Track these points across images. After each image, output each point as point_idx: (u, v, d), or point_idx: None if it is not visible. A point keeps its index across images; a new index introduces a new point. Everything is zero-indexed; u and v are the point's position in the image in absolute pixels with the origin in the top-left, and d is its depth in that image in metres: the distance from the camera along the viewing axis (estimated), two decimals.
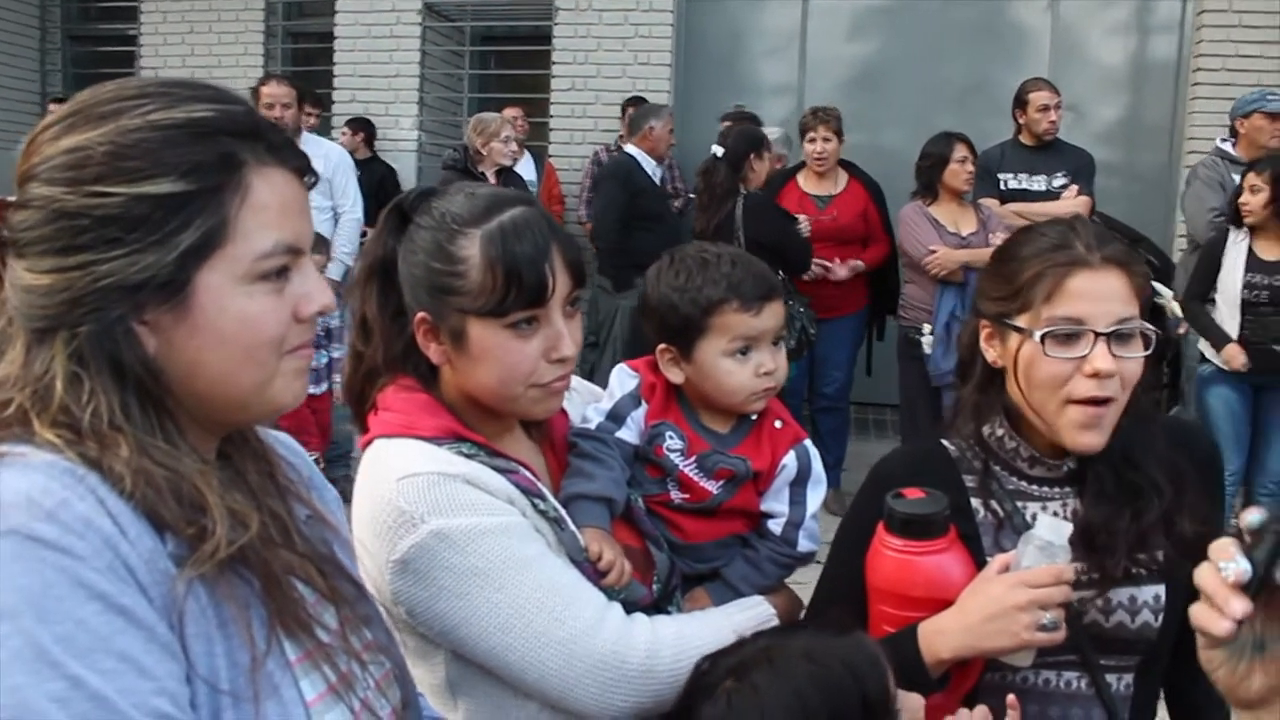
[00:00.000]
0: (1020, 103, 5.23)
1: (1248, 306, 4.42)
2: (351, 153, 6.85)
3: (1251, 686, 0.95)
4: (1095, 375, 1.37)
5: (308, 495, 1.07)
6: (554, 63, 7.26)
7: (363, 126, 7.30)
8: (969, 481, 1.52)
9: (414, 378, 1.41)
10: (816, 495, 1.57)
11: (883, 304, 5.43)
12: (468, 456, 1.34)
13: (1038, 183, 5.15)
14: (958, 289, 4.75)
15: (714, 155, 4.72)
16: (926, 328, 4.74)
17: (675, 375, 1.54)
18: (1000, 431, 1.50)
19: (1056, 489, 1.50)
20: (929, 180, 4.92)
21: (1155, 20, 6.85)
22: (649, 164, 5.56)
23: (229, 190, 0.89)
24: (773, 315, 1.51)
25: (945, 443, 1.57)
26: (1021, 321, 1.43)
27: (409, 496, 1.27)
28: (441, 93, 7.79)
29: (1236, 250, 4.48)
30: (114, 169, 0.86)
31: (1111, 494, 1.44)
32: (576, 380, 1.68)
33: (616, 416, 1.54)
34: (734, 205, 4.59)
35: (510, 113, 6.69)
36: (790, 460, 1.55)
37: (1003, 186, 5.19)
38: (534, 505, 1.36)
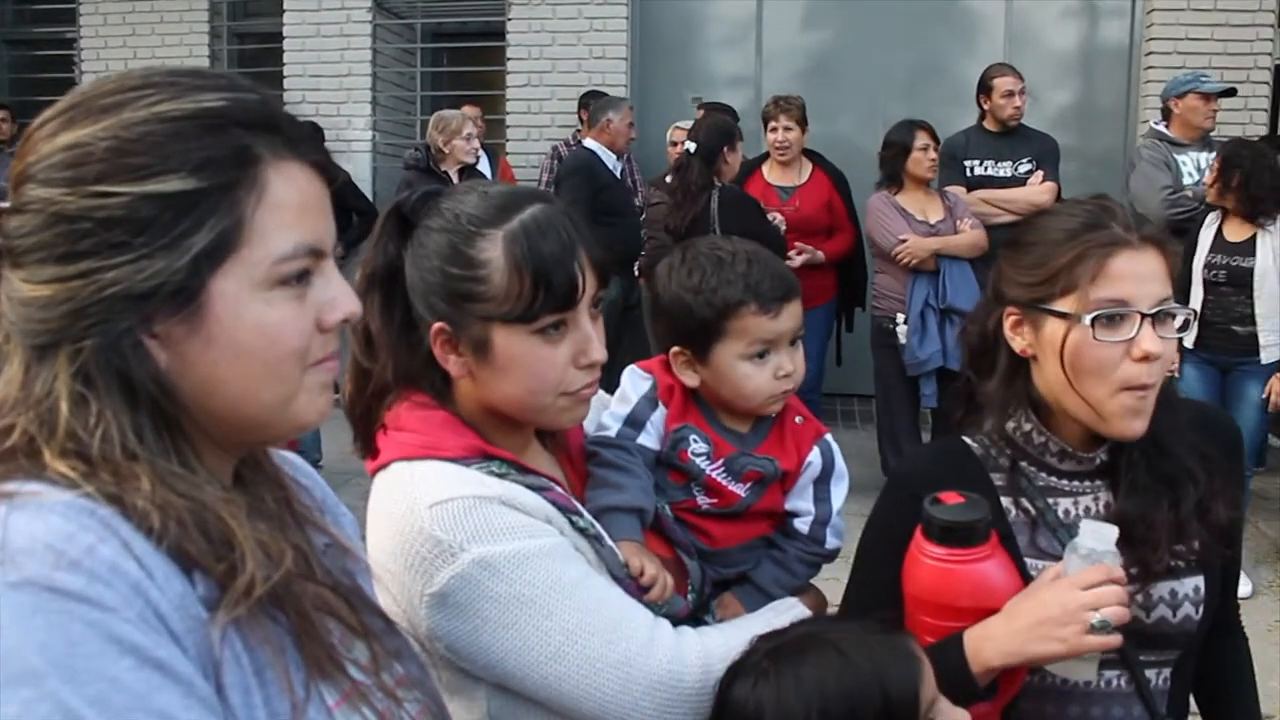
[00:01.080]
0: (984, 88, 5.24)
1: (1209, 286, 4.46)
2: None
3: None
4: (1145, 358, 1.33)
5: (324, 521, 0.99)
6: (508, 58, 7.16)
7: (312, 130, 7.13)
8: (997, 480, 1.47)
9: (428, 393, 1.31)
10: (841, 490, 1.53)
11: (851, 295, 5.40)
12: (499, 476, 1.26)
13: (1004, 169, 5.17)
14: (929, 277, 4.75)
15: (687, 150, 4.66)
16: (900, 317, 4.73)
17: (690, 378, 1.49)
18: (1028, 426, 1.45)
19: (1088, 483, 1.46)
20: (893, 169, 4.91)
21: (1107, 4, 6.91)
22: (609, 157, 5.51)
23: (244, 188, 0.81)
24: (791, 316, 1.46)
25: (968, 439, 1.52)
26: (1064, 305, 1.37)
27: (445, 524, 1.20)
28: (395, 91, 7.67)
29: (1207, 232, 4.52)
30: (117, 166, 0.78)
31: (1146, 485, 1.41)
32: None
33: (635, 422, 1.48)
34: (709, 199, 4.53)
35: (469, 111, 6.60)
36: (815, 457, 1.51)
37: (969, 173, 5.20)
38: (571, 523, 1.29)
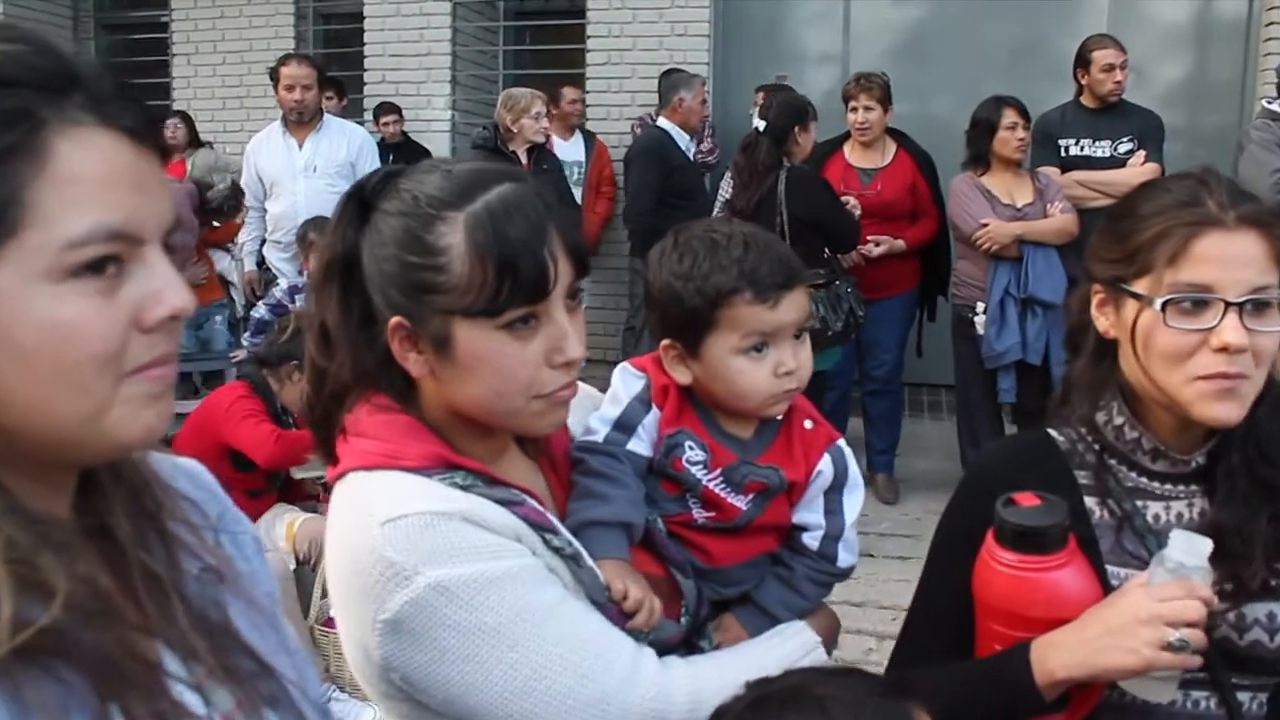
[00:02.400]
0: (1083, 61, 4.89)
1: None
2: (384, 140, 6.69)
3: None
4: (1224, 350, 1.21)
5: (207, 544, 0.86)
6: (588, 36, 7.02)
7: (391, 110, 7.11)
8: (1082, 478, 1.37)
9: (389, 395, 1.19)
10: (854, 502, 1.40)
11: (934, 283, 5.13)
12: (463, 488, 1.14)
13: (1102, 148, 4.83)
14: (1012, 264, 4.47)
15: (755, 129, 4.46)
16: (980, 306, 4.46)
17: (682, 375, 1.35)
18: (1119, 420, 1.34)
19: (1182, 487, 1.34)
20: (979, 149, 4.63)
21: None
22: (682, 138, 5.34)
23: (19, 157, 0.67)
24: (793, 307, 1.31)
25: (1053, 432, 1.42)
26: (1140, 287, 1.28)
27: (398, 543, 1.08)
28: (475, 70, 7.58)
29: None
30: None
31: (1245, 494, 1.29)
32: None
33: (625, 426, 1.34)
34: (776, 180, 4.32)
35: (570, 94, 6.48)
36: (825, 466, 1.37)
37: (1063, 153, 4.87)
38: (545, 541, 1.16)
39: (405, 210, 1.13)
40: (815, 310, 4.25)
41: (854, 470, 1.40)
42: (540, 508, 1.19)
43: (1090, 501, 1.35)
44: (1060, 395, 1.44)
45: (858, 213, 4.71)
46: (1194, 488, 1.34)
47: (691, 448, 1.33)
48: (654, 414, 1.35)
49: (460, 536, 1.09)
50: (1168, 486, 1.34)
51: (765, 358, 1.31)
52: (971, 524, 1.31)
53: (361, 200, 1.17)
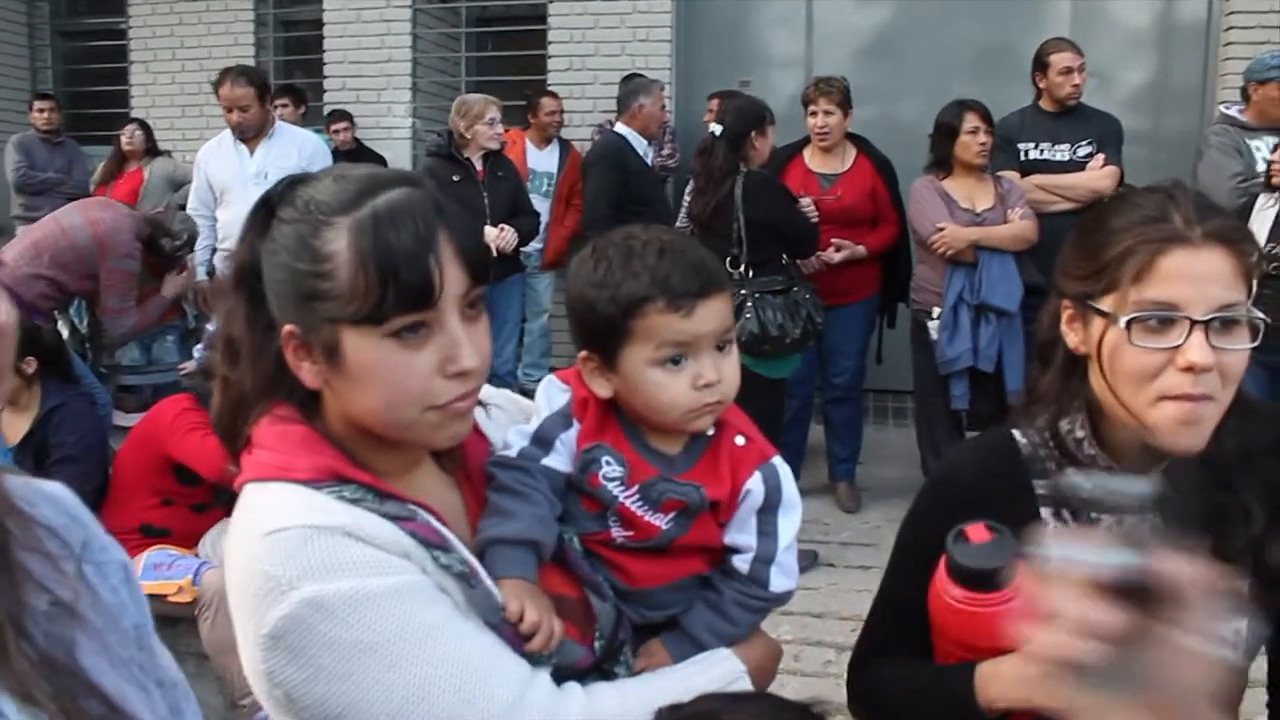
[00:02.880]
0: (1040, 65, 4.86)
1: (1265, 280, 4.00)
2: (337, 148, 6.60)
3: None
4: (1190, 369, 1.20)
5: (64, 575, 0.81)
6: (550, 42, 6.96)
7: (342, 118, 7.02)
8: (1039, 488, 1.37)
9: (292, 406, 1.17)
10: (790, 523, 1.32)
11: (894, 289, 5.08)
12: (351, 502, 1.11)
13: (1061, 152, 4.80)
14: (967, 270, 4.43)
15: (711, 134, 4.40)
16: (935, 311, 4.42)
17: (601, 388, 1.29)
18: (1080, 433, 1.35)
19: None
20: (941, 153, 4.59)
21: None
22: (640, 144, 5.28)
23: None
24: (711, 316, 1.25)
25: (1016, 434, 1.42)
26: (1106, 304, 1.27)
27: (275, 557, 1.06)
28: (436, 77, 7.51)
29: (1263, 217, 4.11)
30: None
31: (1191, 518, 1.24)
32: (504, 395, 1.43)
33: (543, 440, 1.29)
34: (733, 185, 4.26)
35: (549, 104, 6.38)
36: (755, 484, 1.30)
37: (1023, 157, 4.83)
38: (435, 559, 1.13)
39: (297, 217, 1.11)
40: (773, 317, 4.20)
41: (789, 490, 1.33)
42: (435, 524, 1.14)
43: (1045, 511, 1.36)
44: (1024, 400, 1.43)
45: (815, 217, 4.65)
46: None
47: (609, 463, 1.27)
48: (574, 428, 1.30)
49: (340, 551, 1.06)
50: None
51: (683, 370, 1.25)
52: (932, 535, 1.30)
53: (269, 208, 1.16)
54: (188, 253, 4.91)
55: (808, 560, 4.24)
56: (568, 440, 1.29)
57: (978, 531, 1.22)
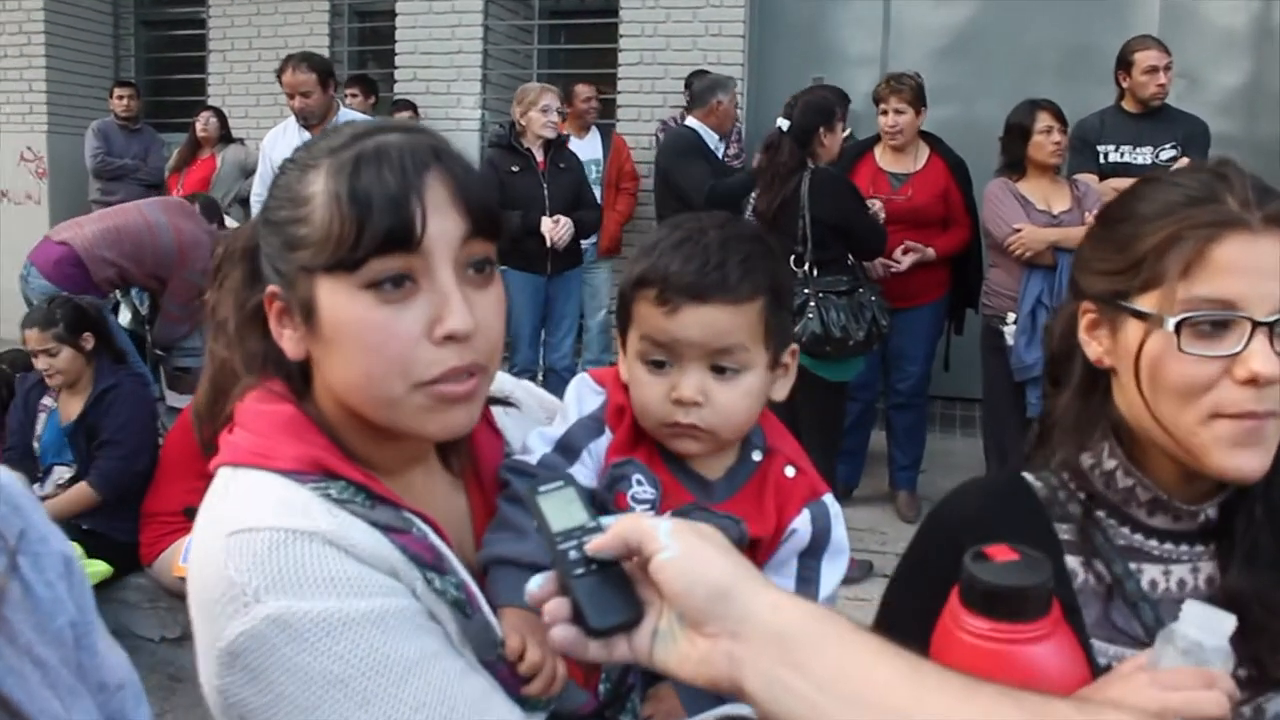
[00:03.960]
0: (1124, 64, 4.67)
1: None
2: None
3: None
4: (1252, 382, 0.99)
5: None
6: (621, 35, 6.87)
7: (406, 107, 7.03)
8: (1063, 532, 1.13)
9: (284, 382, 1.03)
10: (835, 571, 1.17)
11: (963, 294, 4.92)
12: (337, 503, 0.96)
13: (1143, 155, 4.60)
14: (1046, 273, 4.25)
15: (779, 129, 4.28)
16: (1010, 316, 4.25)
17: (623, 371, 1.19)
18: (1111, 464, 1.12)
19: (1185, 547, 1.11)
20: (1014, 155, 4.42)
21: None
22: (711, 138, 5.19)
23: None
24: (697, 324, 1.10)
25: (1028, 477, 1.18)
26: (1146, 304, 1.05)
27: (242, 561, 0.90)
28: (506, 69, 7.47)
29: None
30: None
31: (1271, 555, 1.05)
32: (524, 388, 1.28)
33: (568, 448, 1.16)
34: (799, 182, 4.14)
35: (584, 91, 6.36)
36: (802, 524, 1.15)
37: (1103, 160, 4.65)
38: (428, 581, 0.97)
39: (290, 166, 1.01)
40: (836, 318, 4.07)
41: (838, 533, 1.18)
42: (432, 540, 0.99)
43: (1073, 562, 1.12)
44: (1037, 435, 1.22)
45: (882, 217, 4.51)
46: (1200, 548, 1.12)
47: (640, 482, 1.13)
48: (605, 438, 1.16)
49: (317, 563, 0.91)
50: (1168, 546, 1.12)
51: (665, 375, 1.13)
52: (932, 576, 1.10)
53: None
54: None
55: (862, 570, 4.11)
56: (596, 450, 1.16)
57: (1001, 551, 0.98)
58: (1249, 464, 1.02)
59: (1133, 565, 1.11)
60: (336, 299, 0.94)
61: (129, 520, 3.81)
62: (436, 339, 0.94)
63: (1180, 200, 1.05)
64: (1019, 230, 4.26)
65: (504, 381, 1.23)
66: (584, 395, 1.20)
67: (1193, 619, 0.92)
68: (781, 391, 1.20)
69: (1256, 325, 0.99)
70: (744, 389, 1.13)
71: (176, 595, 3.76)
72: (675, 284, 1.10)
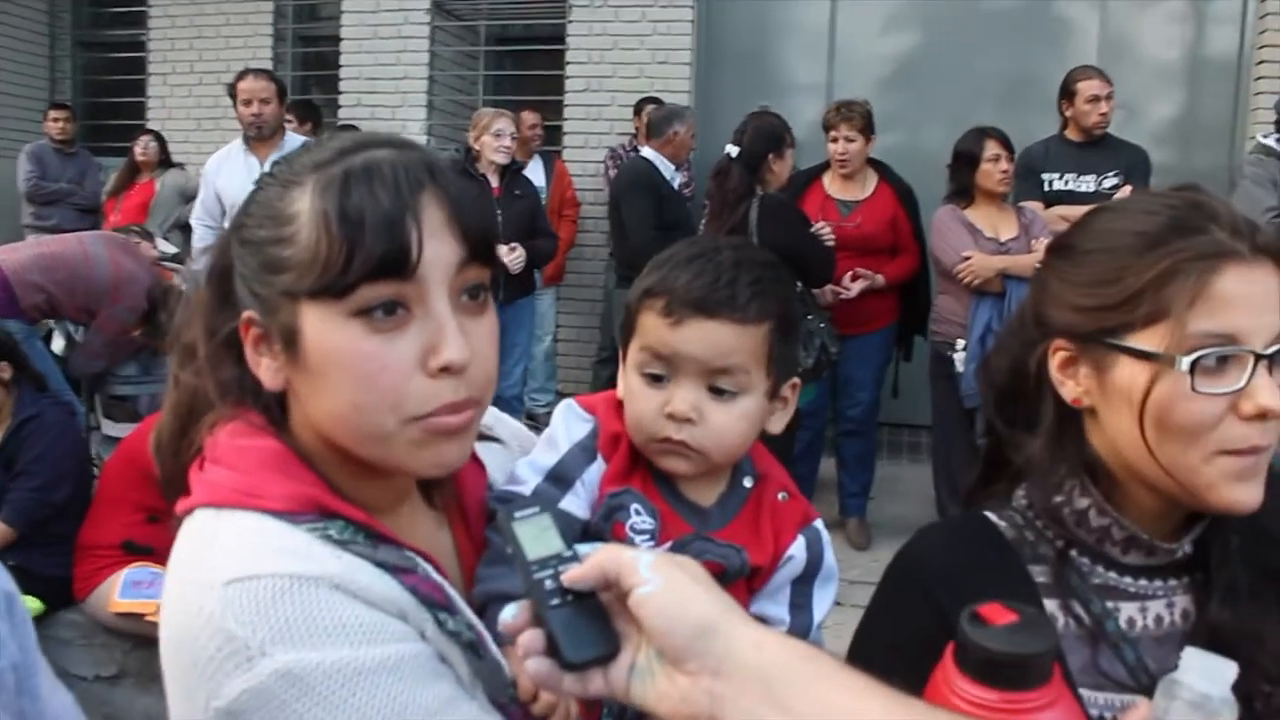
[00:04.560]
0: (1067, 93, 4.75)
1: None
2: None
3: None
4: (1260, 416, 0.96)
5: None
6: (567, 62, 6.87)
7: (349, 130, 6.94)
8: (1038, 575, 1.09)
9: (262, 414, 0.96)
10: (826, 596, 1.16)
11: (912, 321, 4.94)
12: (338, 544, 0.90)
13: (1086, 183, 4.66)
14: (995, 300, 4.27)
15: (728, 155, 4.28)
16: (960, 343, 4.27)
17: (620, 388, 1.18)
18: (1082, 503, 1.07)
19: (1159, 582, 1.08)
20: (961, 182, 4.47)
21: (1214, 10, 6.32)
22: (667, 168, 5.18)
23: None
24: (700, 338, 1.09)
25: (991, 517, 1.14)
26: (1145, 341, 1.00)
27: (243, 613, 0.84)
28: (452, 96, 7.43)
29: None
30: None
31: (1252, 586, 1.03)
32: (505, 423, 1.23)
33: (560, 478, 1.12)
34: (748, 209, 4.14)
35: (529, 118, 6.34)
36: (798, 550, 1.14)
37: (1047, 188, 4.71)
38: (439, 623, 0.92)
39: (269, 182, 0.94)
40: None
41: (829, 558, 1.17)
42: (437, 578, 0.94)
43: (1051, 605, 1.07)
44: (982, 471, 1.19)
45: (831, 241, 4.52)
46: (1173, 582, 1.09)
47: (638, 512, 1.10)
48: (598, 466, 1.13)
49: (325, 610, 0.85)
50: (1142, 582, 1.09)
51: (661, 390, 1.11)
52: (904, 634, 1.06)
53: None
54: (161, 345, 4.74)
55: None
56: (589, 480, 1.13)
57: (997, 612, 0.89)
58: (1249, 497, 1.00)
59: (1109, 604, 1.07)
60: (323, 326, 0.88)
61: (59, 554, 3.68)
62: (431, 370, 0.88)
63: (1164, 229, 1.01)
64: (968, 258, 4.29)
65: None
66: (571, 423, 1.17)
67: (1195, 668, 0.88)
68: (778, 424, 1.18)
69: (1259, 358, 0.96)
70: (739, 412, 1.11)
71: (112, 631, 3.64)
72: (683, 296, 1.08)
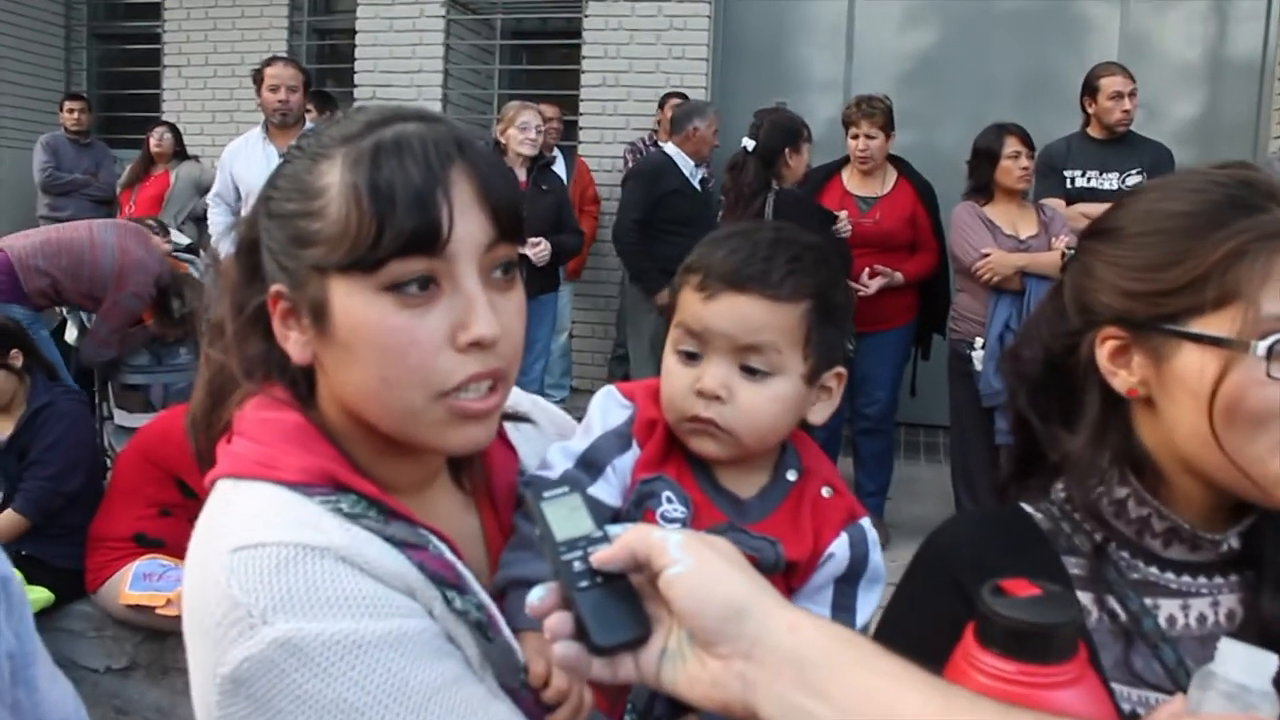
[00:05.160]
0: (1090, 89, 4.69)
1: None
2: None
3: None
4: None
5: None
6: (584, 57, 6.83)
7: None
8: (1072, 567, 1.04)
9: (287, 388, 0.97)
10: (871, 599, 1.11)
11: (930, 320, 4.89)
12: (349, 517, 0.89)
13: (1109, 180, 4.61)
14: (1013, 298, 4.23)
15: (744, 149, 4.25)
16: (978, 341, 4.22)
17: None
18: (1122, 492, 1.02)
19: (1204, 579, 1.03)
20: (981, 179, 4.41)
21: (1237, 9, 6.26)
22: (686, 164, 5.15)
23: None
24: (731, 313, 1.06)
25: (1027, 508, 1.10)
26: (1213, 327, 0.94)
27: (247, 580, 0.83)
28: (467, 89, 7.41)
29: None
30: None
31: None
32: (538, 404, 1.21)
33: (592, 463, 1.09)
34: (763, 203, 4.11)
35: (547, 111, 6.30)
36: (840, 548, 1.10)
37: (1069, 185, 4.66)
38: (447, 601, 0.90)
39: (298, 155, 0.93)
40: None
41: (876, 558, 1.12)
42: (449, 557, 0.93)
43: (1084, 598, 1.03)
44: (1018, 467, 1.15)
45: (848, 231, 4.47)
46: (1219, 580, 1.04)
47: (670, 500, 1.08)
48: (632, 453, 1.11)
49: (330, 581, 0.84)
50: (1185, 579, 1.04)
51: (694, 367, 1.08)
52: (929, 616, 1.02)
53: None
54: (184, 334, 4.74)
55: None
56: (621, 467, 1.10)
57: (1020, 586, 0.87)
58: None
59: (1148, 601, 1.02)
60: (352, 301, 0.88)
61: (70, 545, 3.67)
62: (461, 346, 0.88)
63: (1224, 208, 0.96)
64: (987, 255, 4.25)
65: (518, 397, 1.17)
66: (609, 409, 1.15)
67: (1233, 659, 0.84)
68: (820, 415, 1.14)
69: None
70: (771, 394, 1.08)
71: (123, 623, 3.63)
72: (716, 270, 1.07)
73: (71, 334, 4.58)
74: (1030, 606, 0.84)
